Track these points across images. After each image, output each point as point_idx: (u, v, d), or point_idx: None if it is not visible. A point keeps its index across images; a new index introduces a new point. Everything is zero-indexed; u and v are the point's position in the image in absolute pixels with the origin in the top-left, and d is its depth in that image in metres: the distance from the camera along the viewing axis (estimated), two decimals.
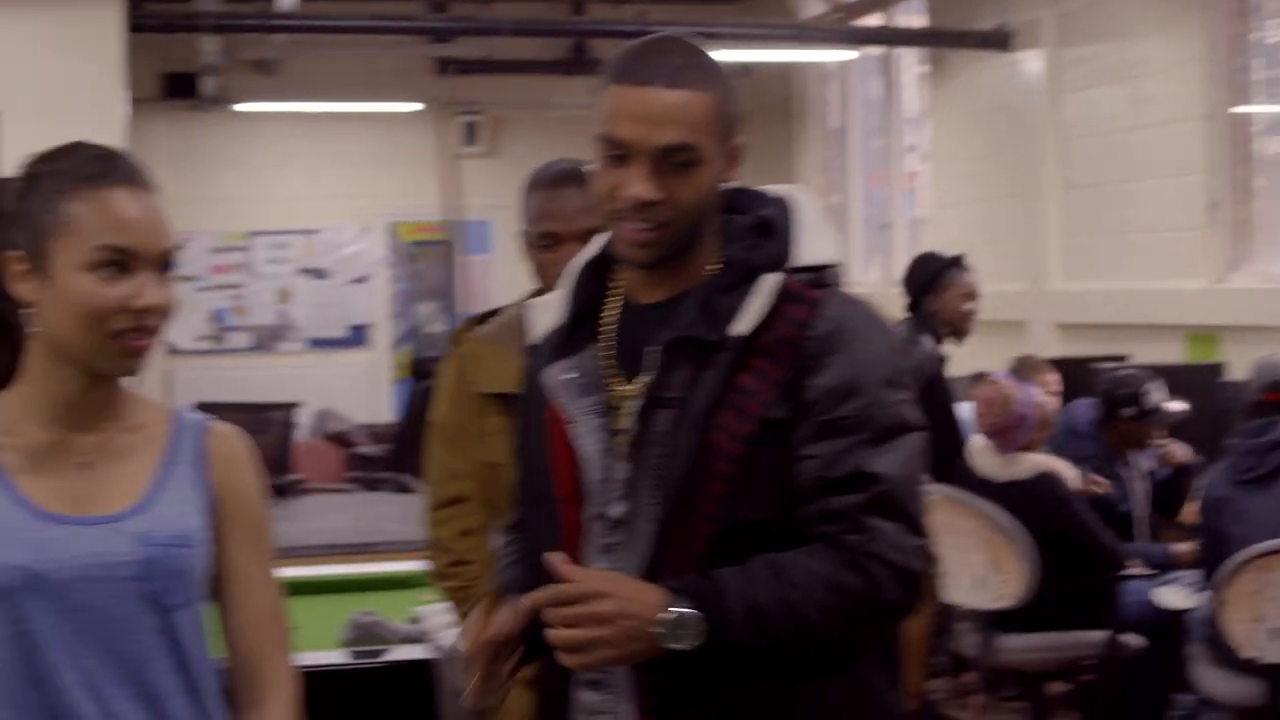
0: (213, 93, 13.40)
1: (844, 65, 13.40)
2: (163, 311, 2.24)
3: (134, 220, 2.23)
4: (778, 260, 2.43)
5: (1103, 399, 6.86)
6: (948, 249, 11.33)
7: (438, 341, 15.57)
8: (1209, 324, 8.63)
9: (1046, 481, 6.26)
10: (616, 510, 2.38)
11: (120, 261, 2.21)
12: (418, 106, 14.41)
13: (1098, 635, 6.21)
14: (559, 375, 2.48)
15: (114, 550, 2.24)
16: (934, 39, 11.47)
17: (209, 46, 12.23)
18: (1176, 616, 6.15)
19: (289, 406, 10.27)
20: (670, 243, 2.40)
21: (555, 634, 2.26)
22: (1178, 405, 6.80)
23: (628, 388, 2.43)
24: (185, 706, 2.29)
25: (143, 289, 2.22)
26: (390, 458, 11.30)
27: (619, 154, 2.37)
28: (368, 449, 12.06)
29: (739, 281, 2.41)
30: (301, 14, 11.33)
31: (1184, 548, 6.52)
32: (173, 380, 12.95)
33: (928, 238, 11.93)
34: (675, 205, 2.37)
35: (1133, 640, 6.30)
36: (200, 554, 2.31)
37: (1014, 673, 6.48)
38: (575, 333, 2.52)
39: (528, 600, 2.32)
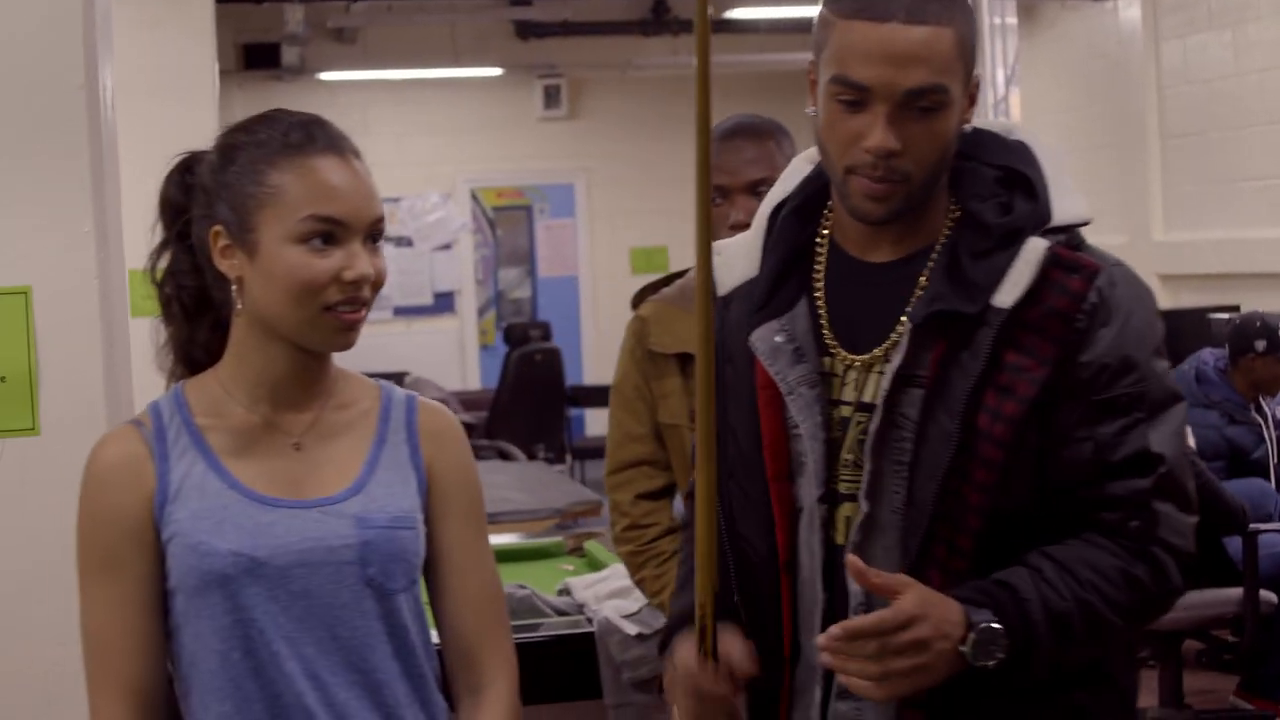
0: (294, 62, 13.36)
1: None
2: (374, 282, 2.15)
3: (342, 189, 2.13)
4: (1038, 221, 2.18)
5: (1231, 339, 6.70)
6: None
7: (522, 307, 15.54)
8: None
9: None
10: (864, 505, 2.18)
11: (330, 232, 2.12)
12: (497, 71, 14.34)
13: (1232, 592, 6.09)
14: (770, 338, 2.26)
15: (334, 534, 2.16)
16: None
17: (291, 16, 12.17)
18: None
19: (397, 376, 10.22)
20: (911, 197, 2.17)
21: (872, 668, 2.03)
22: None
23: (854, 358, 2.23)
24: (405, 693, 2.21)
25: (354, 259, 2.12)
26: (486, 425, 11.26)
27: (855, 99, 2.14)
28: (463, 417, 12.02)
29: (996, 246, 2.17)
30: None
31: None
32: None
33: None
34: (919, 155, 2.14)
35: (1269, 596, 6.17)
36: (419, 535, 2.22)
37: (1149, 632, 6.37)
38: (780, 288, 2.30)
39: (838, 630, 2.04)
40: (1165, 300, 9.23)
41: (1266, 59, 8.95)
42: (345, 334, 2.16)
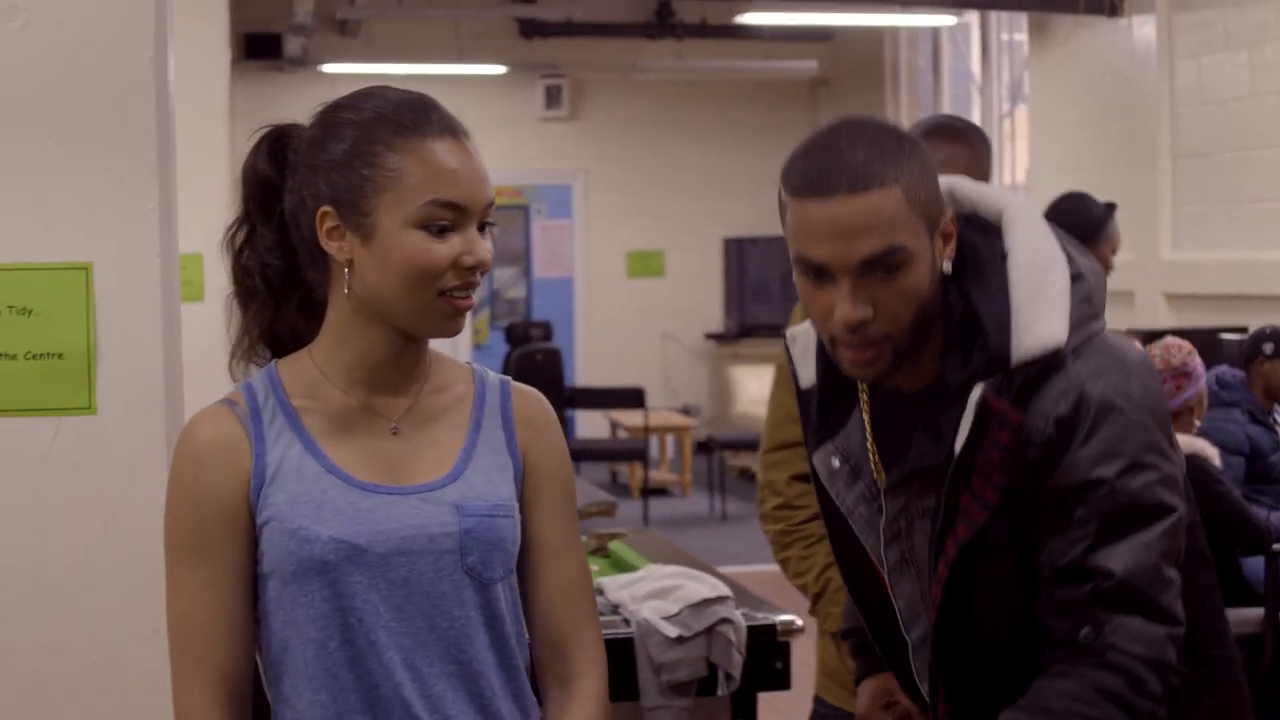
0: (296, 53, 13.32)
1: (936, 30, 13.25)
2: (487, 267, 2.11)
3: (462, 173, 2.09)
4: (994, 367, 2.18)
5: (1244, 348, 6.82)
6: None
7: (516, 307, 15.50)
8: None
9: (1196, 463, 6.13)
10: (915, 633, 2.37)
11: (450, 218, 2.08)
12: (500, 69, 14.32)
13: (1252, 613, 6.08)
14: (828, 461, 2.38)
15: (434, 521, 2.11)
16: (1042, 3, 11.28)
17: (301, 7, 12.12)
18: None
19: None
20: (898, 353, 2.19)
21: None
22: None
23: (885, 479, 2.33)
24: (500, 684, 2.16)
25: (473, 245, 2.09)
26: None
27: (819, 274, 2.16)
28: None
29: (957, 397, 2.20)
30: None
31: None
32: None
33: None
34: (892, 315, 2.15)
35: None
36: (516, 524, 2.18)
37: None
38: (832, 404, 2.38)
39: None
40: (1171, 320, 9.22)
41: None
42: (456, 320, 2.12)
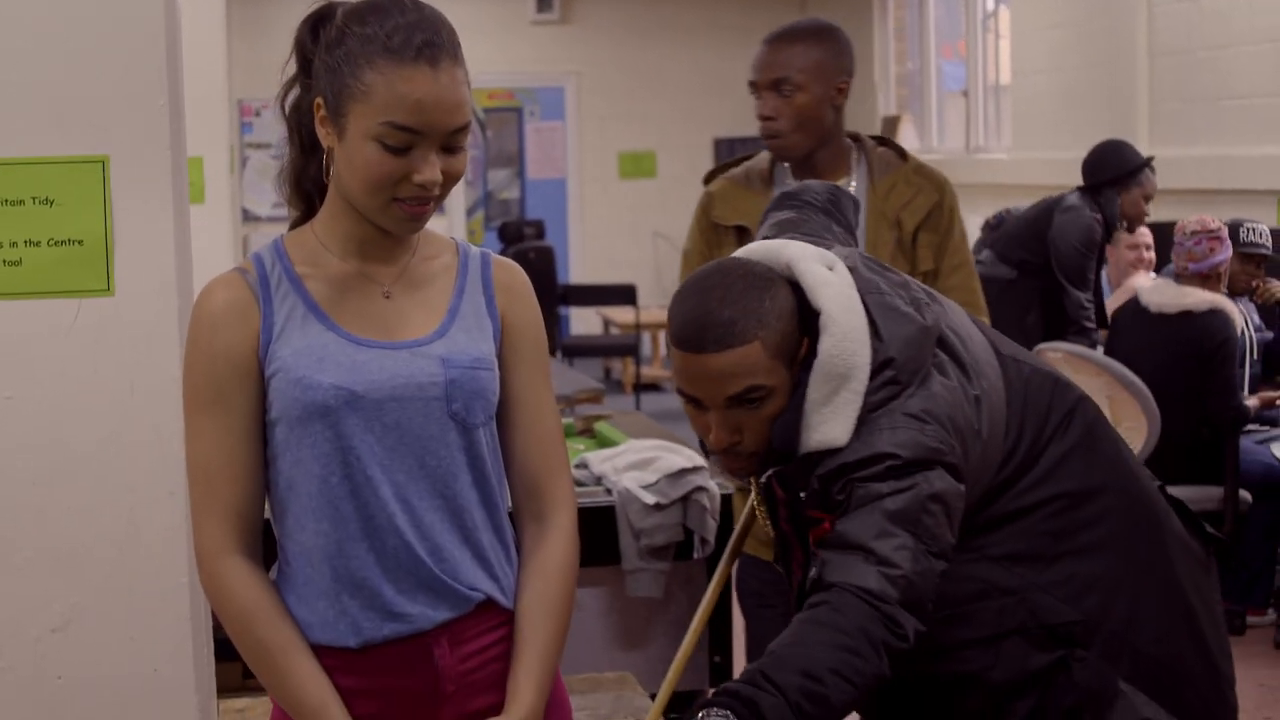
0: None
1: None
2: (446, 181, 2.33)
3: (426, 101, 2.28)
4: (777, 459, 2.63)
5: None
6: (1031, 115, 11.44)
7: (510, 208, 15.67)
8: None
9: (1219, 317, 6.37)
10: None
11: (404, 139, 2.28)
12: None
13: (1214, 490, 6.34)
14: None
15: (422, 372, 2.37)
16: None
17: None
18: None
19: None
20: (765, 463, 2.64)
21: None
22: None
23: None
24: (482, 519, 2.43)
25: (423, 165, 2.29)
26: None
27: (696, 403, 2.61)
28: None
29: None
30: None
31: None
32: (248, 247, 13.09)
33: (1009, 105, 11.98)
34: (754, 438, 2.61)
35: (1245, 495, 6.43)
36: (494, 377, 2.44)
37: None
38: None
39: None
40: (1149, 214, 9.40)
41: None
42: (411, 223, 2.36)
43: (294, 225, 2.49)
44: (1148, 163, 7.26)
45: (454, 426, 2.39)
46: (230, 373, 2.36)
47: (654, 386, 13.64)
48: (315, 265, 2.41)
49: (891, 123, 13.79)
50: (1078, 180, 7.72)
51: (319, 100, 2.35)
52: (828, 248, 2.73)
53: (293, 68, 2.44)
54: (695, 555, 4.25)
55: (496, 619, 2.46)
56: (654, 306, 14.00)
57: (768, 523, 2.76)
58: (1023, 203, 8.67)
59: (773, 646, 2.44)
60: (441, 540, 2.39)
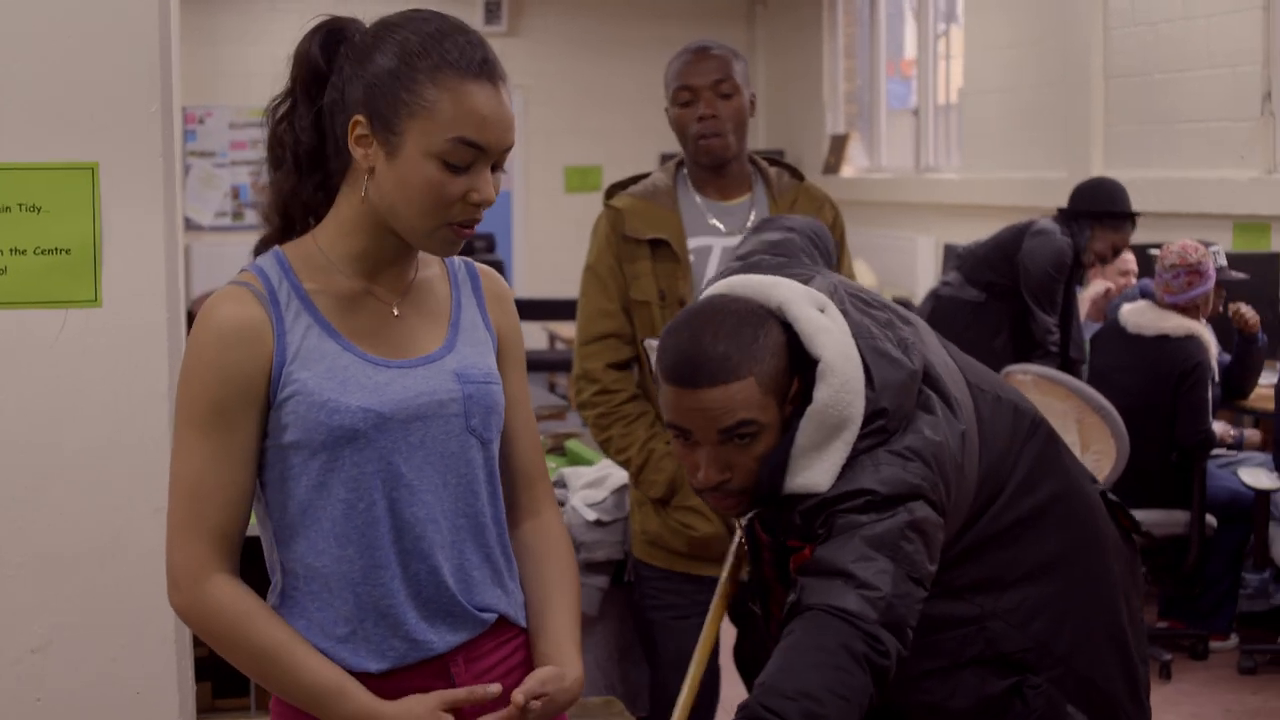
0: None
1: None
2: (491, 204, 2.29)
3: (492, 118, 2.24)
4: (762, 500, 2.62)
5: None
6: (982, 135, 11.46)
7: None
8: (1260, 214, 8.70)
9: (1193, 344, 6.41)
10: None
11: (469, 157, 2.23)
12: None
13: (1180, 514, 6.34)
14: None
15: (441, 389, 2.33)
16: None
17: None
18: (1262, 497, 6.26)
19: None
20: (753, 500, 2.62)
21: None
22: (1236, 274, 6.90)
23: None
24: (496, 536, 2.42)
25: (483, 184, 2.25)
26: None
27: (686, 436, 2.58)
28: None
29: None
30: None
31: (1254, 432, 6.68)
32: (190, 256, 12.98)
33: (957, 123, 12.00)
34: (744, 476, 2.58)
35: (1211, 520, 6.44)
36: (502, 391, 2.42)
37: None
38: None
39: None
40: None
41: (1214, 4, 9.12)
42: (456, 245, 2.31)
43: (265, 242, 2.41)
44: (1133, 216, 7.24)
45: (474, 442, 2.37)
46: (236, 394, 2.27)
47: None
48: (322, 281, 2.34)
49: (840, 141, 13.79)
50: (1028, 201, 7.72)
51: (358, 118, 2.26)
52: (813, 275, 2.75)
53: (284, 84, 2.37)
54: (627, 578, 4.19)
55: (507, 634, 2.46)
56: None
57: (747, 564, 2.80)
58: (972, 222, 8.66)
59: (761, 678, 2.45)
60: (466, 559, 2.38)
